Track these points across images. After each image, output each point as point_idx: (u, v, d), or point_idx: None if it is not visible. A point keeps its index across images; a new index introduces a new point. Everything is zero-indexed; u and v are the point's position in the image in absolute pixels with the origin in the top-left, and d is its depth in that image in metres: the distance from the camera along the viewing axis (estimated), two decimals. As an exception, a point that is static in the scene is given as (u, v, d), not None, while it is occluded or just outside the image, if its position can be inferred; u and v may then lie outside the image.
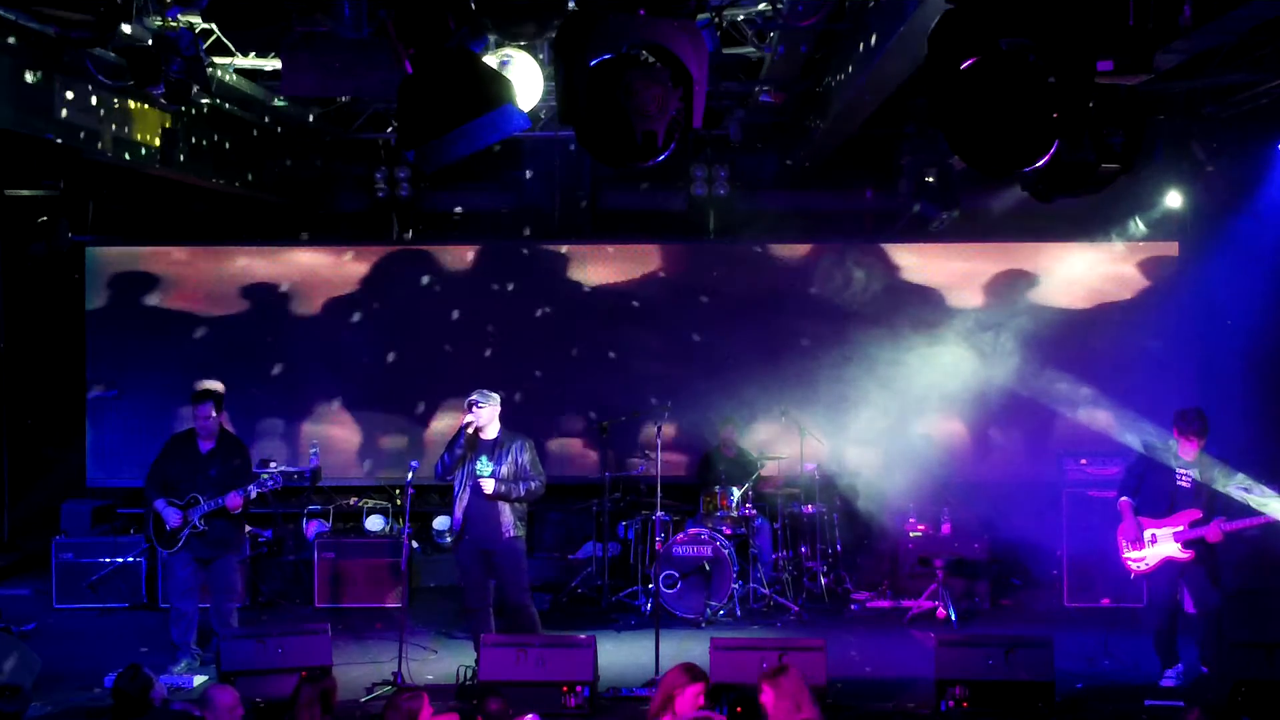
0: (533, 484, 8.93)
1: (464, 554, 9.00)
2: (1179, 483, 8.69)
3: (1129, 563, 8.87)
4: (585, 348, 12.57)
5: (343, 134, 12.05)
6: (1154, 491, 8.80)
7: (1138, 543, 8.77)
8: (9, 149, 9.29)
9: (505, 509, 8.86)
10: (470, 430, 8.89)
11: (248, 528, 11.10)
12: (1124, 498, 8.94)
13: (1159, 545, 8.70)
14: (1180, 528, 8.64)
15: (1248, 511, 8.51)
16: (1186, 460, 8.72)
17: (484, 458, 8.89)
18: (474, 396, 8.95)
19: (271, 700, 7.87)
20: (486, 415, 8.92)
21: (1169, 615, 8.87)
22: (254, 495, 9.31)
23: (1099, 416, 11.50)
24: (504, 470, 8.85)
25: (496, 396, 9.05)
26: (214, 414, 9.32)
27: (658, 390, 11.96)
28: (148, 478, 9.45)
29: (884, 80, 8.01)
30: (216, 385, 10.26)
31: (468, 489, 8.88)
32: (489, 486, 8.78)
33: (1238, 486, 8.57)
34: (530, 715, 6.48)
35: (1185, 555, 8.63)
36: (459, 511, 8.91)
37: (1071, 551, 10.91)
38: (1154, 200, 11.53)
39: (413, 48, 5.93)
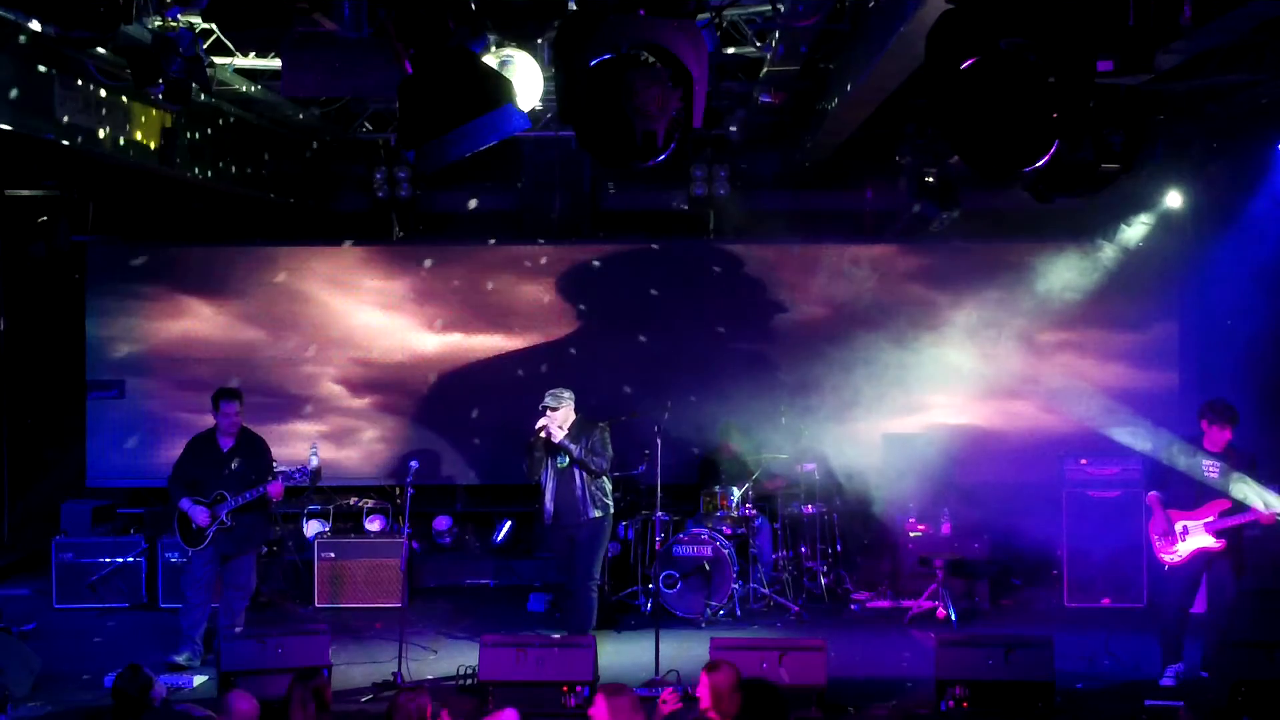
0: (596, 458, 9.37)
1: (555, 540, 9.69)
2: (1206, 473, 8.71)
3: (1162, 556, 8.86)
4: (584, 348, 12.56)
5: (343, 134, 12.04)
6: (1182, 484, 8.82)
7: (1169, 536, 8.78)
8: (9, 149, 9.29)
9: (584, 492, 9.36)
10: (543, 435, 9.31)
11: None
12: (1153, 491, 8.99)
13: (1191, 537, 8.72)
14: (1210, 518, 8.67)
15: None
16: (1213, 452, 8.74)
17: (560, 450, 9.35)
18: (546, 400, 9.40)
19: (271, 701, 7.86)
20: (561, 416, 9.38)
21: (1182, 610, 8.88)
22: (297, 479, 9.65)
23: (1099, 417, 11.49)
24: (580, 451, 9.36)
25: (569, 394, 9.47)
26: (239, 412, 9.57)
27: (657, 390, 11.92)
28: (171, 479, 9.63)
29: (884, 80, 8.00)
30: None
31: (552, 480, 9.40)
32: (558, 436, 9.25)
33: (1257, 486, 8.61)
34: (508, 711, 6.43)
35: (1218, 544, 8.67)
36: (549, 503, 9.43)
37: (1071, 551, 10.91)
38: (1154, 200, 11.54)
39: (413, 48, 5.93)
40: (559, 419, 9.35)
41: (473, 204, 13.46)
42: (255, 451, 9.67)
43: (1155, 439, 9.28)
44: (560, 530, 9.53)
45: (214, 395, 9.67)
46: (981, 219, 12.14)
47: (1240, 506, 8.60)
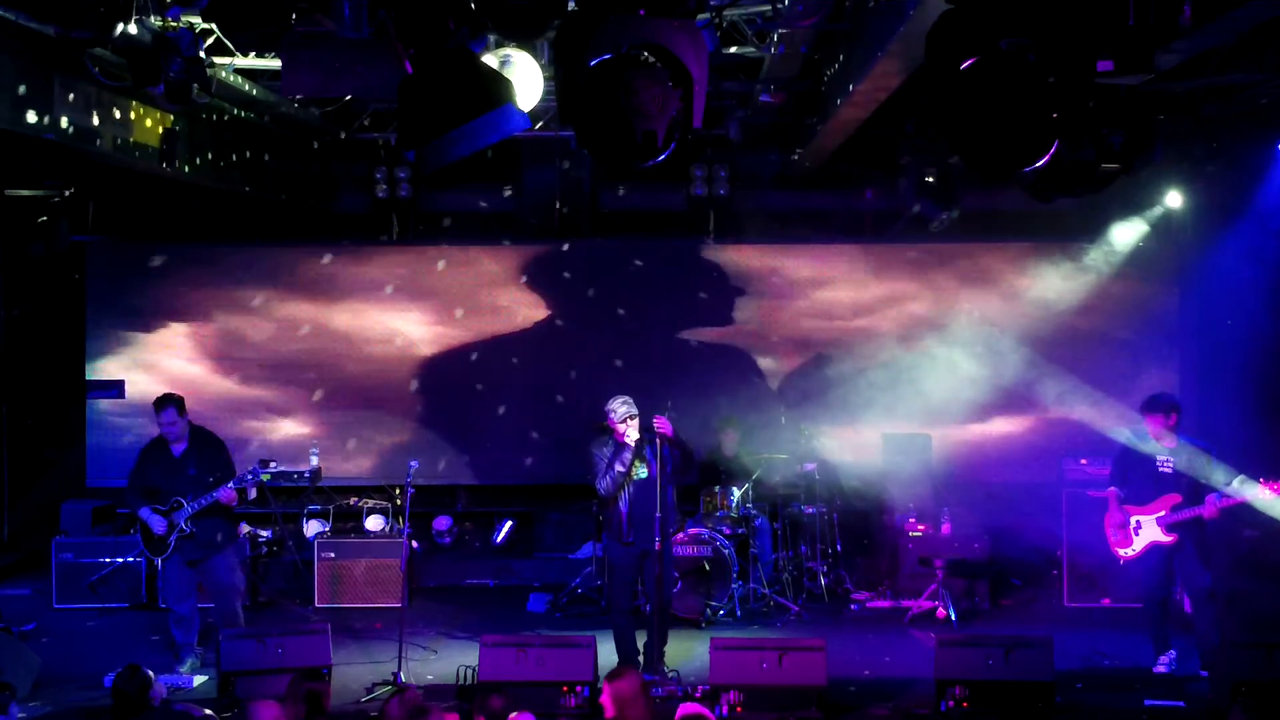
0: (690, 470, 9.19)
1: (624, 556, 9.04)
2: (1160, 469, 8.87)
3: (1116, 551, 9.06)
4: (584, 348, 12.57)
5: (343, 134, 12.04)
6: (1140, 480, 8.96)
7: (1123, 530, 8.96)
8: (9, 149, 9.28)
9: (662, 508, 8.93)
10: (633, 444, 8.94)
11: (247, 527, 11.15)
12: (1112, 487, 9.14)
13: (1144, 532, 8.89)
14: (1162, 512, 8.82)
15: (1238, 491, 8.61)
16: (1168, 447, 8.87)
17: (636, 460, 8.99)
18: (624, 409, 8.90)
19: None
20: (638, 424, 8.97)
21: (1159, 603, 9.05)
22: (253, 493, 9.31)
23: (1099, 416, 11.49)
24: (656, 468, 8.94)
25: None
26: (178, 419, 9.22)
27: (657, 390, 11.93)
28: (127, 489, 9.41)
29: (884, 80, 8.01)
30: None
31: (628, 495, 8.92)
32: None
33: (1224, 475, 8.66)
34: (525, 714, 6.46)
35: (1169, 539, 8.80)
36: (627, 522, 8.91)
37: (1071, 551, 10.90)
38: (1154, 200, 11.54)
39: (413, 48, 5.93)
40: (638, 427, 8.97)
41: (473, 204, 13.46)
42: (211, 452, 9.36)
43: (1134, 431, 9.33)
44: (633, 549, 8.96)
45: (154, 403, 9.33)
46: (981, 219, 12.15)
47: (1191, 501, 8.72)
